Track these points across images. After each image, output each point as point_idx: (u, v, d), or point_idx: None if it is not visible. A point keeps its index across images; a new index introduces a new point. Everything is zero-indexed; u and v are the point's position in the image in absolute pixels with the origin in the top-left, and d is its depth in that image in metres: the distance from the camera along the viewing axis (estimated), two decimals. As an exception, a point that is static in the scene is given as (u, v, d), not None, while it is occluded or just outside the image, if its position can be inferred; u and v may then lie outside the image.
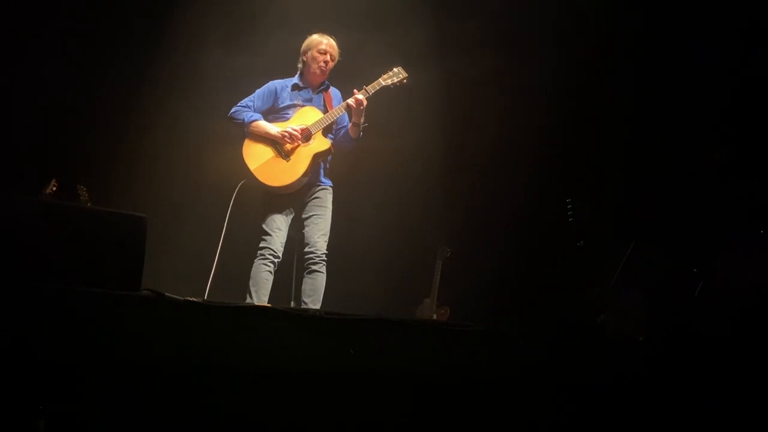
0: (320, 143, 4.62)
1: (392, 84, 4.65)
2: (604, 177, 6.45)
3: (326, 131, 4.68)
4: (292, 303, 5.06)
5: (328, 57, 4.70)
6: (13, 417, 2.45)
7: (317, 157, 4.63)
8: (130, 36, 5.86)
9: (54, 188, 5.43)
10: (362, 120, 4.61)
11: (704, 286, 4.86)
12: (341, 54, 4.78)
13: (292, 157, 4.58)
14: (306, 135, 4.60)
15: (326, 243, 4.62)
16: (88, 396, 2.57)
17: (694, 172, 5.86)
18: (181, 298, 2.92)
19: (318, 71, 4.70)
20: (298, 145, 4.59)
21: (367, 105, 4.56)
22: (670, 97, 6.06)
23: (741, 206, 5.40)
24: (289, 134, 4.56)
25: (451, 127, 6.47)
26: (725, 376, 3.74)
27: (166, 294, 2.89)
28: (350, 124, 4.66)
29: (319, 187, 4.71)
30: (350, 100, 4.55)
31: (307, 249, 4.60)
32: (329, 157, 4.75)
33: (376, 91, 4.60)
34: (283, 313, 3.16)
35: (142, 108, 5.91)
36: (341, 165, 4.95)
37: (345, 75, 4.90)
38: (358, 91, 4.58)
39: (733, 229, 5.29)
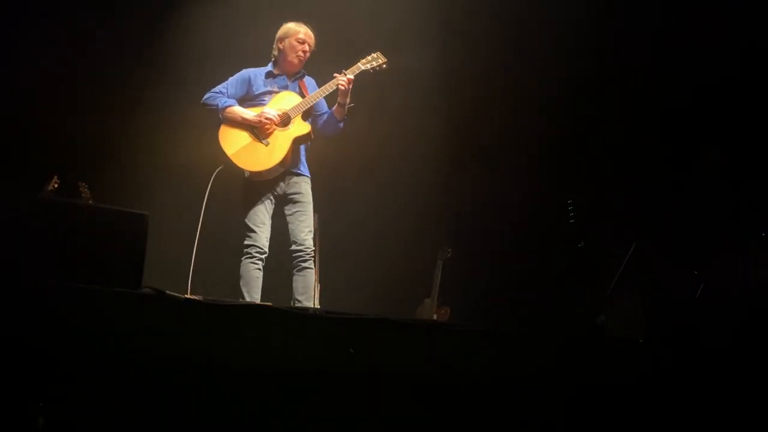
0: (300, 127, 4.56)
1: (371, 68, 4.61)
2: (606, 178, 6.46)
3: (305, 116, 4.62)
4: (292, 302, 5.05)
5: (306, 47, 4.66)
6: (13, 414, 2.45)
7: (297, 142, 4.57)
8: (129, 34, 5.86)
9: (55, 185, 5.43)
10: (348, 100, 4.58)
11: (705, 289, 4.86)
12: (338, 44, 4.74)
13: (270, 142, 4.51)
14: (284, 119, 4.54)
15: (311, 238, 4.59)
16: (88, 393, 2.58)
17: (695, 173, 5.86)
18: (182, 296, 2.93)
19: (296, 60, 4.66)
20: (276, 130, 4.53)
21: (352, 87, 4.54)
22: (671, 97, 6.06)
23: (742, 208, 5.40)
24: (266, 117, 4.51)
25: (452, 126, 6.47)
26: (725, 378, 3.74)
27: (167, 292, 2.89)
28: (336, 105, 4.61)
29: (300, 177, 4.63)
30: (340, 82, 4.50)
31: (294, 247, 4.55)
32: (308, 144, 4.70)
33: (355, 75, 4.56)
34: (284, 312, 3.16)
35: (144, 105, 5.90)
36: (342, 164, 4.93)
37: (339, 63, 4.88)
38: (338, 74, 4.54)
39: (734, 231, 5.29)
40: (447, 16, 6.20)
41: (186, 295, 3.01)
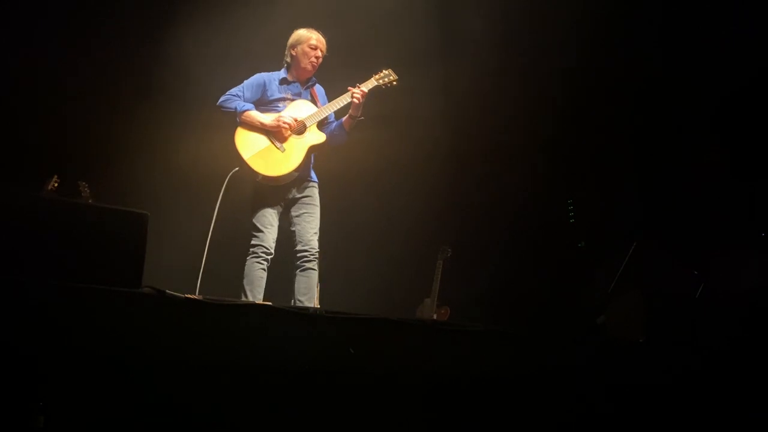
0: (315, 136, 4.64)
1: (383, 84, 4.71)
2: (606, 178, 6.46)
3: (318, 125, 4.69)
4: (293, 301, 5.06)
5: (318, 52, 4.72)
6: (13, 413, 2.45)
7: (312, 150, 4.64)
8: (128, 33, 5.85)
9: (55, 184, 5.43)
10: (359, 113, 4.65)
11: (705, 289, 4.86)
12: (343, 52, 4.80)
13: (287, 148, 4.57)
14: (300, 127, 4.61)
15: (317, 240, 4.64)
16: (88, 392, 2.57)
17: (695, 174, 5.86)
18: (182, 296, 2.92)
19: (309, 66, 4.72)
20: (292, 137, 4.58)
21: (364, 101, 4.64)
22: (673, 98, 6.06)
23: (742, 208, 5.40)
24: (286, 123, 4.56)
25: (452, 126, 6.47)
26: (725, 378, 3.74)
27: (167, 291, 2.88)
28: (347, 117, 4.69)
29: (310, 183, 4.71)
30: (355, 96, 4.59)
31: (300, 247, 4.60)
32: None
33: (369, 90, 4.65)
34: (284, 312, 3.16)
35: (144, 105, 5.90)
36: (342, 165, 4.95)
37: (347, 74, 4.91)
38: (353, 88, 4.62)
39: (734, 232, 5.29)
40: (447, 20, 6.21)
41: (186, 295, 3.01)
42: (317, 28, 4.77)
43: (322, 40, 4.75)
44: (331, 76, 4.91)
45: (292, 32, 4.83)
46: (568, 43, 6.12)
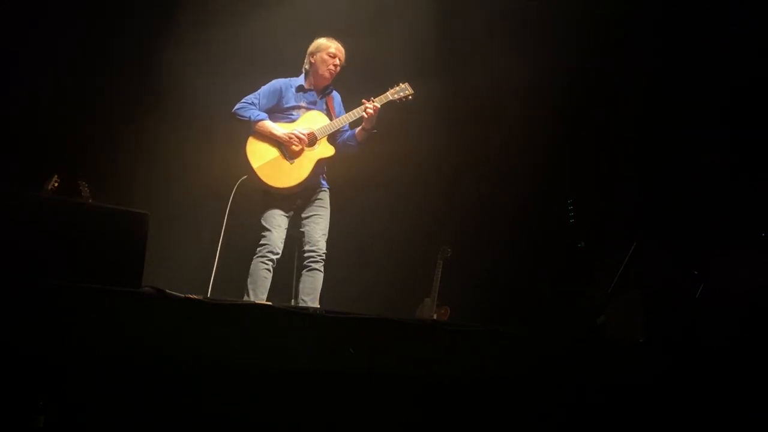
0: (325, 149, 4.72)
1: (398, 99, 4.76)
2: (606, 178, 6.45)
3: (330, 137, 4.76)
4: (293, 301, 5.06)
5: (337, 61, 4.80)
6: (14, 413, 2.45)
7: (321, 163, 4.72)
8: (130, 30, 5.85)
9: (55, 184, 5.42)
10: (372, 126, 4.72)
11: (705, 289, 4.86)
12: (350, 59, 4.86)
13: (296, 161, 4.65)
14: (311, 140, 4.68)
15: (325, 243, 4.69)
16: (88, 392, 2.57)
17: (695, 174, 5.86)
18: (182, 295, 2.92)
19: (327, 74, 4.80)
20: (303, 149, 4.65)
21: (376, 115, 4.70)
22: (673, 98, 6.06)
23: (742, 209, 5.40)
24: (296, 137, 4.62)
25: (452, 127, 6.47)
26: (725, 378, 3.74)
27: (167, 291, 2.89)
28: (360, 129, 4.77)
29: (321, 189, 4.80)
30: (367, 110, 4.64)
31: (307, 248, 4.66)
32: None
33: (383, 104, 4.72)
34: (284, 312, 3.16)
35: (143, 103, 5.89)
36: (342, 165, 4.97)
37: (354, 80, 4.96)
38: (367, 101, 4.68)
39: (734, 232, 5.29)
40: (447, 21, 6.21)
41: (186, 295, 3.01)
42: (337, 37, 4.85)
43: (341, 49, 4.83)
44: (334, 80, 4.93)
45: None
46: (569, 43, 6.12)
